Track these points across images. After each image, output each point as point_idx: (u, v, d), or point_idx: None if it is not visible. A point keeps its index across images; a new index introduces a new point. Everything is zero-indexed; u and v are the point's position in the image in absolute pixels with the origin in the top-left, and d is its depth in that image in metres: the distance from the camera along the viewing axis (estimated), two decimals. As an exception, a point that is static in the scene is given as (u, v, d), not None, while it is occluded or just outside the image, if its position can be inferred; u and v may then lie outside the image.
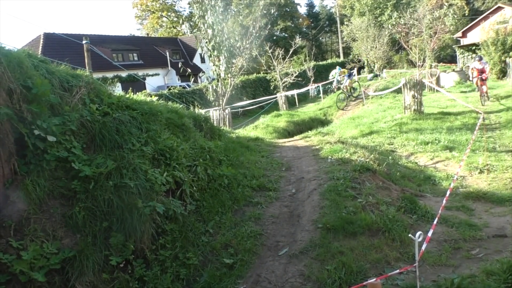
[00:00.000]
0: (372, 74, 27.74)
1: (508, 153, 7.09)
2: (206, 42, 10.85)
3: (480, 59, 13.14)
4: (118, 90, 17.22)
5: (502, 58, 18.34)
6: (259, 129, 13.27)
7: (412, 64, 26.92)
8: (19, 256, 2.80)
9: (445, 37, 21.52)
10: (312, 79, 27.09)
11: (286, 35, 50.71)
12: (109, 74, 26.79)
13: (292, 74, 23.99)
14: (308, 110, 19.58)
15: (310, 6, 60.48)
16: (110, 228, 3.37)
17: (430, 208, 4.87)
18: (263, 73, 28.77)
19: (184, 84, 28.64)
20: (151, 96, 6.49)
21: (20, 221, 3.00)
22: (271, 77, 26.22)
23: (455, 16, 20.17)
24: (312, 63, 30.11)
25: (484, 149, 7.45)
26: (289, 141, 9.54)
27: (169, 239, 3.85)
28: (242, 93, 23.42)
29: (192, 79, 13.63)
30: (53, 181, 3.32)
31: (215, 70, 11.14)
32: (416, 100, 10.96)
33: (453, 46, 26.51)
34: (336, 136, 9.08)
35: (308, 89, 25.84)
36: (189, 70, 11.37)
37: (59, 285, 2.92)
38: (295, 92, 22.99)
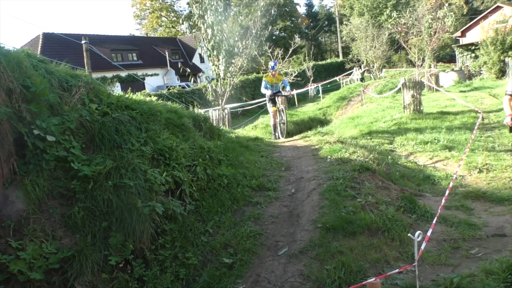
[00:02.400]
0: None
1: (507, 153, 7.09)
2: (206, 42, 10.84)
3: None
4: (117, 90, 17.21)
5: (501, 57, 18.38)
6: (258, 129, 13.27)
7: (411, 63, 26.96)
8: (18, 256, 2.79)
9: (444, 37, 21.55)
10: (311, 79, 27.11)
11: (285, 34, 50.76)
12: (108, 74, 26.79)
13: (292, 74, 24.00)
14: (308, 110, 19.60)
15: (309, 6, 60.56)
16: (109, 228, 3.37)
17: (430, 207, 4.87)
18: (262, 73, 28.77)
19: (183, 84, 28.64)
20: (150, 96, 6.49)
21: (19, 221, 3.00)
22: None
23: (454, 16, 20.19)
24: (312, 63, 30.16)
25: (483, 148, 7.45)
26: (289, 141, 9.54)
27: (168, 239, 3.84)
28: (241, 93, 23.43)
29: (192, 79, 13.59)
30: (52, 181, 3.32)
31: (215, 70, 11.13)
32: (415, 99, 10.96)
33: (452, 46, 26.55)
34: (336, 136, 9.08)
35: (308, 89, 25.85)
36: (189, 70, 11.33)
37: (58, 285, 2.92)
38: (294, 92, 22.99)
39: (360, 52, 29.83)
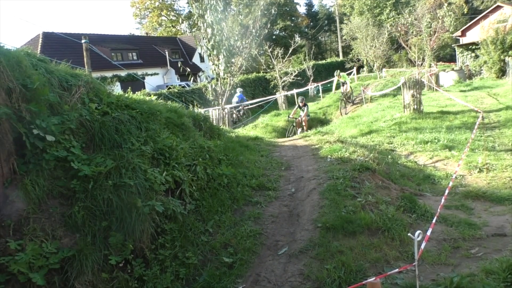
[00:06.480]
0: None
1: (508, 152, 7.09)
2: (206, 41, 10.83)
3: None
4: (117, 89, 17.19)
5: (502, 57, 18.36)
6: (258, 128, 13.26)
7: (411, 63, 26.93)
8: (18, 255, 2.79)
9: (444, 36, 21.53)
10: (311, 79, 27.07)
11: (285, 34, 50.68)
12: (108, 74, 26.73)
13: (292, 74, 23.96)
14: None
15: (309, 5, 60.49)
16: (109, 227, 3.37)
17: (430, 207, 4.87)
18: (262, 72, 28.75)
19: (183, 83, 28.60)
20: (150, 96, 6.48)
21: (19, 220, 3.00)
22: (270, 76, 26.19)
23: (454, 15, 20.18)
24: (312, 62, 30.09)
25: (483, 148, 7.45)
26: (289, 141, 9.54)
27: (168, 239, 3.84)
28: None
29: (192, 79, 13.55)
30: (52, 181, 3.32)
31: (215, 69, 11.12)
32: (415, 99, 10.95)
33: (453, 45, 26.51)
34: (336, 135, 9.07)
35: (308, 89, 25.82)
36: (189, 70, 11.31)
37: (58, 284, 2.92)
38: (294, 91, 22.97)
39: (360, 51, 29.81)
